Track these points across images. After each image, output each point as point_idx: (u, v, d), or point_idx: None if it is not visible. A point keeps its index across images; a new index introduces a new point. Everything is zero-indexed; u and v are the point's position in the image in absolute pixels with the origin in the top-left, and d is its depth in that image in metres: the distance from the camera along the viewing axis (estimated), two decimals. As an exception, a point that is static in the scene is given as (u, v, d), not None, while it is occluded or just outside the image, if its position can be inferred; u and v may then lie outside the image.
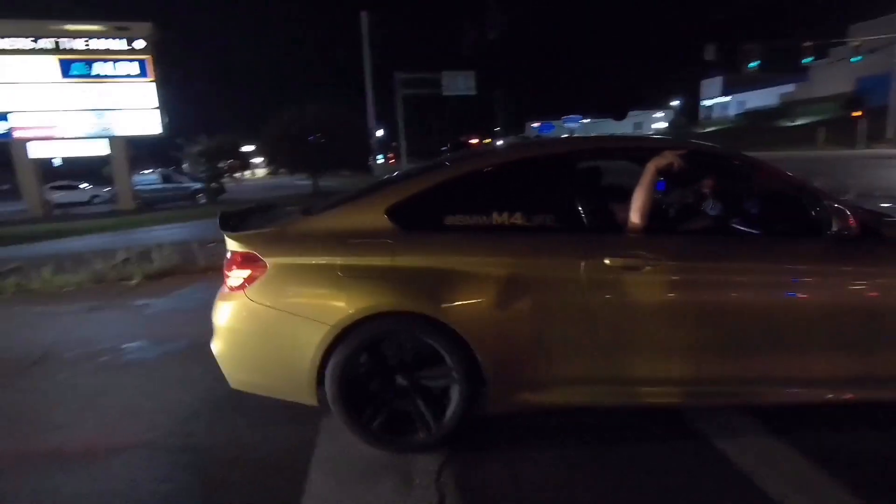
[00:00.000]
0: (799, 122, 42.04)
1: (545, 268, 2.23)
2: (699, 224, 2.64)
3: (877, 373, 2.24)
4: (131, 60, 17.87)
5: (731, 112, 61.60)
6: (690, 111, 72.44)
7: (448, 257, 2.24)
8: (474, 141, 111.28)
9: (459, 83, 39.98)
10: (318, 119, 21.66)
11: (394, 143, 45.95)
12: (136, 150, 22.12)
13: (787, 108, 48.19)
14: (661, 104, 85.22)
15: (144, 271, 6.50)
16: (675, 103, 79.79)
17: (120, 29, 17.54)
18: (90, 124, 18.21)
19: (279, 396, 2.48)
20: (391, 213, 2.32)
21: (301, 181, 25.36)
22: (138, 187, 21.25)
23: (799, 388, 2.28)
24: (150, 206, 20.15)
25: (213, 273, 6.55)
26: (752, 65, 25.14)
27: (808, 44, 24.99)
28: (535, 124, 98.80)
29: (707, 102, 68.71)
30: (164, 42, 18.99)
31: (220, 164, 22.26)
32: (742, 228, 2.57)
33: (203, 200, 21.58)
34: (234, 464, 2.42)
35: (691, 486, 2.06)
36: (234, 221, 2.57)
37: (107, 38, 17.55)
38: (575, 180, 2.47)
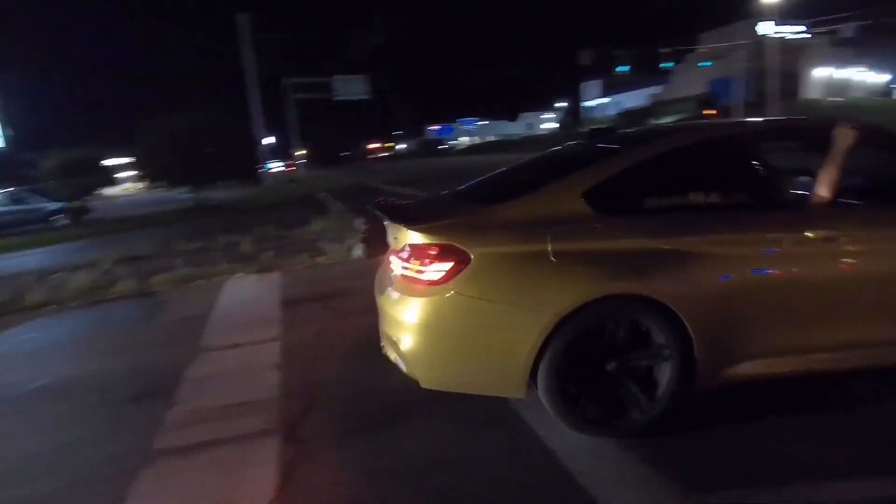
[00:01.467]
0: (667, 119, 46.66)
1: (749, 244, 2.28)
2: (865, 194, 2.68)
3: None
4: (-46, 64, 15.26)
5: (611, 112, 66.92)
6: (576, 112, 77.56)
7: (656, 239, 2.24)
8: (375, 145, 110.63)
9: (353, 87, 39.41)
10: (202, 126, 19.98)
11: (291, 150, 44.12)
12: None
13: (656, 107, 53.33)
14: (549, 105, 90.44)
15: (-42, 313, 5.49)
16: (562, 104, 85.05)
17: (-64, 27, 14.90)
18: None
19: (480, 392, 2.42)
20: (588, 197, 2.29)
21: (183, 195, 23.38)
22: (-22, 211, 18.24)
23: None
24: (-6, 233, 17.38)
25: (52, 308, 5.72)
26: (621, 69, 27.45)
27: (665, 50, 27.80)
28: (434, 126, 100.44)
29: (590, 103, 74.05)
30: (3, 46, 16.48)
31: (83, 180, 19.81)
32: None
33: (64, 222, 19.05)
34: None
35: (512, 478, 2.07)
36: (398, 215, 2.51)
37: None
38: (759, 158, 2.55)
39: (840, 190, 2.40)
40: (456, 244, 2.20)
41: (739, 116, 30.73)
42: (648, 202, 2.35)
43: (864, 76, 54.83)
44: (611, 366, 2.25)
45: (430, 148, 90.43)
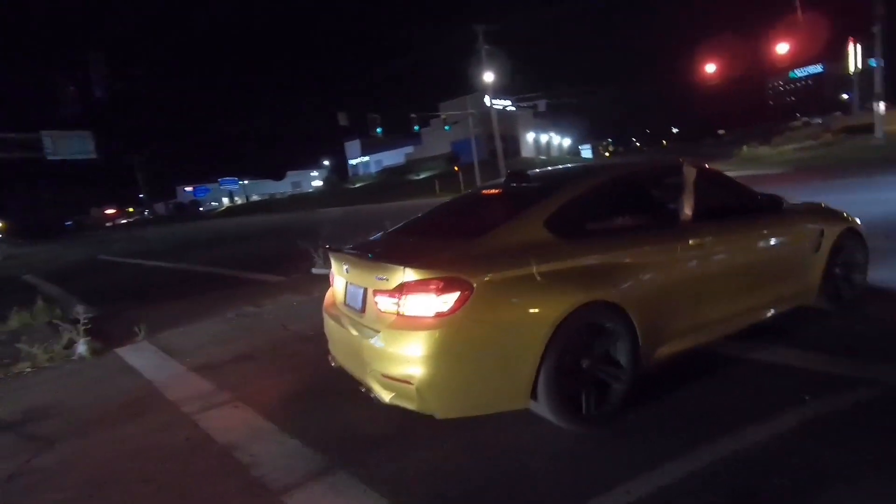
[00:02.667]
0: (422, 175, 51.88)
1: (662, 253, 2.92)
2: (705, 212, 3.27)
3: (783, 294, 3.49)
4: None
5: (373, 170, 71.31)
6: (340, 169, 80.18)
7: (604, 254, 2.73)
8: (111, 211, 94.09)
9: (73, 145, 32.45)
10: None
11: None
12: None
13: (411, 165, 59.13)
14: (315, 164, 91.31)
15: None
16: (326, 163, 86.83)
17: None
18: None
19: (491, 411, 2.55)
20: (547, 225, 2.70)
21: None
22: None
23: (771, 308, 3.42)
24: None
25: None
26: (377, 130, 29.46)
27: (413, 115, 31.07)
28: (189, 188, 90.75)
29: (353, 161, 77.48)
30: None
31: None
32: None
33: None
34: None
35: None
36: (384, 256, 2.73)
37: None
38: (651, 189, 3.37)
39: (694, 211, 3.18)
40: (459, 276, 2.38)
41: (478, 172, 36.12)
42: (589, 226, 2.92)
43: (557, 140, 71.69)
44: (586, 363, 2.59)
45: (185, 210, 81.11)
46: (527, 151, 58.10)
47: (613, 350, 2.68)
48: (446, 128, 37.09)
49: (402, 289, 2.40)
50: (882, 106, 26.39)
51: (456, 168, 36.66)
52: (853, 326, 3.53)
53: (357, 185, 62.47)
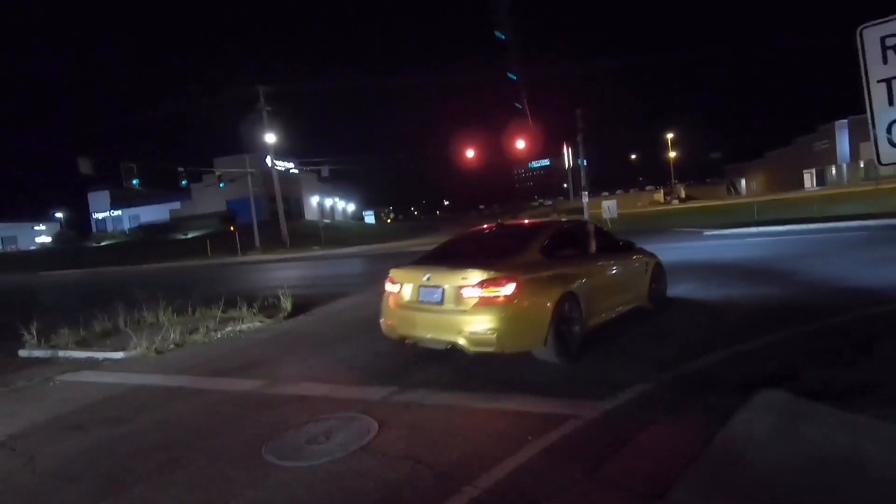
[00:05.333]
0: (190, 234, 46.61)
1: (587, 268, 5.30)
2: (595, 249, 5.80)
3: (632, 297, 5.93)
4: None
5: (126, 226, 61.16)
6: (82, 224, 66.54)
7: (567, 268, 5.03)
8: None
9: None
10: None
11: None
12: None
13: (177, 222, 52.68)
14: (42, 216, 73.62)
15: None
16: (59, 215, 71.03)
17: None
18: None
19: (528, 349, 4.55)
20: (541, 251, 4.95)
21: None
22: None
23: (620, 306, 5.63)
24: None
25: None
26: (133, 182, 25.67)
27: (181, 169, 28.18)
28: None
29: (99, 215, 65.18)
30: None
31: None
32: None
33: None
34: None
35: None
36: (466, 265, 4.69)
37: None
38: (579, 234, 5.93)
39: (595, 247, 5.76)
40: (513, 276, 4.38)
41: (257, 233, 34.23)
42: (560, 252, 5.13)
43: (341, 205, 73.43)
44: (564, 327, 4.60)
45: None
46: (311, 214, 57.80)
47: (574, 321, 4.75)
48: (221, 185, 34.50)
49: (483, 283, 4.33)
50: (586, 195, 34.81)
51: (233, 228, 34.09)
52: (575, 368, 4.44)
53: (104, 244, 52.51)
